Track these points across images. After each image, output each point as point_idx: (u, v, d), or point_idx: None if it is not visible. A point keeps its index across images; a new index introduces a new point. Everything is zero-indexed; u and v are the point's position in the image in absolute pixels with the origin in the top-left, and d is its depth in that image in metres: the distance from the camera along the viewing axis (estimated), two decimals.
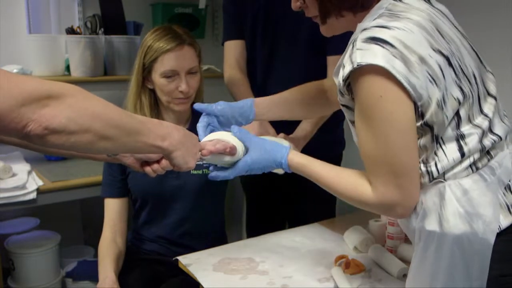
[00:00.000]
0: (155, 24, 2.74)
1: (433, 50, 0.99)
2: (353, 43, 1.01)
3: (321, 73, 1.79)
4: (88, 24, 2.34)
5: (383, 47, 0.95)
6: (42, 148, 1.25)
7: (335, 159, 1.99)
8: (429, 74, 0.97)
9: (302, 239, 1.61)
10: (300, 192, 1.87)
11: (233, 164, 1.20)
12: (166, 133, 1.04)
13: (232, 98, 1.83)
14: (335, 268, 1.37)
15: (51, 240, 2.32)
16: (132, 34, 2.39)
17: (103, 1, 2.34)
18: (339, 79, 1.03)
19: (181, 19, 2.76)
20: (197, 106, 1.31)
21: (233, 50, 1.84)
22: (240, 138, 1.20)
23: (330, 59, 1.78)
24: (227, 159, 1.19)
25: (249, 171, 1.20)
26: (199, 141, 1.22)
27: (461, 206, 0.98)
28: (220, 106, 1.31)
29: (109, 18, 2.33)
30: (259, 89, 1.83)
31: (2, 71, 0.78)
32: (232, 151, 1.17)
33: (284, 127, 1.68)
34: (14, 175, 2.03)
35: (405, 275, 1.34)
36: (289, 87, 1.83)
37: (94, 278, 1.64)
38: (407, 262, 1.41)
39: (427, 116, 0.98)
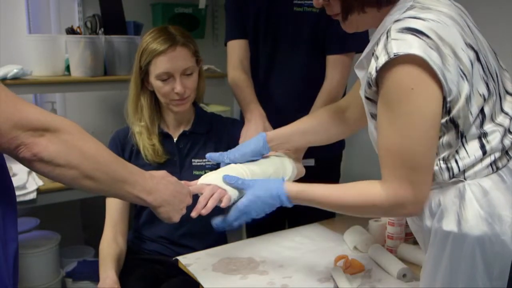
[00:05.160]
0: (155, 24, 2.74)
1: (465, 44, 0.98)
2: (386, 34, 0.99)
3: (323, 71, 1.79)
4: (88, 24, 2.34)
5: (419, 37, 0.94)
6: None
7: (335, 159, 1.99)
8: (461, 69, 0.96)
9: (302, 239, 1.61)
10: None
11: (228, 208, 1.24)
12: (153, 188, 1.08)
13: (235, 99, 1.83)
14: (335, 268, 1.37)
15: (51, 240, 2.32)
16: (132, 34, 2.39)
17: (103, 1, 2.34)
18: (370, 70, 1.01)
19: (181, 19, 2.76)
20: (209, 156, 1.39)
21: (237, 50, 1.84)
22: (233, 186, 1.24)
23: (330, 58, 1.78)
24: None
25: (246, 215, 1.20)
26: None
27: (481, 207, 0.97)
28: (232, 156, 1.36)
29: (109, 18, 2.33)
30: (261, 87, 1.83)
31: (11, 96, 0.83)
32: (226, 203, 1.23)
33: None
34: (14, 175, 2.03)
35: (405, 275, 1.34)
36: (290, 85, 1.84)
37: (94, 278, 1.65)
38: (407, 262, 1.41)
39: (454, 112, 0.97)
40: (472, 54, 0.98)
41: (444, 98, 0.96)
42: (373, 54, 1.02)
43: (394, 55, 0.94)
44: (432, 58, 0.93)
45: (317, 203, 1.16)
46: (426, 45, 0.93)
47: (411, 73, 0.94)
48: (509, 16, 1.82)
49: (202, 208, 1.22)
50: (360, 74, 1.08)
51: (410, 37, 0.94)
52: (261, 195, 1.19)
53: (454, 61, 0.95)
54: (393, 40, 0.96)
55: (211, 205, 1.22)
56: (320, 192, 1.16)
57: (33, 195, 1.97)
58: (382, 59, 0.96)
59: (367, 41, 1.10)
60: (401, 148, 0.99)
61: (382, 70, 0.97)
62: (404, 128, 0.98)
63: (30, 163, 0.86)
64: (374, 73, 0.99)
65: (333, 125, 1.37)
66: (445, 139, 1.00)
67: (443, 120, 0.98)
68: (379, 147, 1.05)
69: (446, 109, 0.97)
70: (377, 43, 1.02)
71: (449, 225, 1.00)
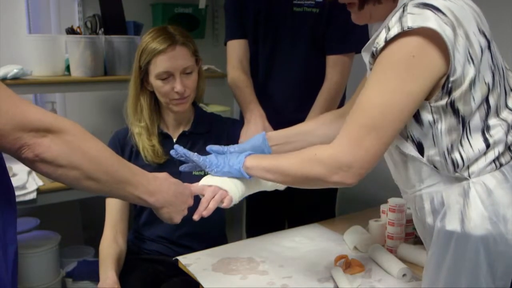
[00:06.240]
0: (155, 24, 2.74)
1: (479, 30, 0.98)
2: (403, 8, 0.98)
3: (322, 71, 1.79)
4: (88, 24, 2.34)
5: (435, 13, 0.94)
6: None
7: None
8: (469, 53, 0.96)
9: (302, 239, 1.61)
10: (300, 192, 1.87)
11: None
12: (156, 189, 1.09)
13: (235, 99, 1.83)
14: (335, 268, 1.37)
15: (51, 240, 2.32)
16: (132, 34, 2.39)
17: (103, 1, 2.34)
18: (378, 40, 1.00)
19: (181, 19, 2.76)
20: (209, 148, 1.37)
21: (236, 50, 1.84)
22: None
23: (330, 58, 1.78)
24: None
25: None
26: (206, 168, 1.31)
27: (485, 207, 0.97)
28: (231, 149, 1.36)
29: (109, 18, 2.33)
30: (261, 87, 1.83)
31: (13, 97, 0.83)
32: (228, 204, 1.25)
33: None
34: (14, 175, 2.03)
35: (405, 275, 1.34)
36: (290, 86, 1.85)
37: (94, 278, 1.65)
38: (407, 262, 1.41)
39: (455, 95, 0.96)
40: (484, 42, 0.99)
41: (448, 77, 0.96)
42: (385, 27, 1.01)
43: (408, 28, 0.94)
44: (446, 33, 0.93)
45: (273, 171, 1.18)
46: (441, 21, 0.94)
47: (418, 42, 0.94)
48: (509, 16, 1.81)
49: (203, 210, 1.23)
50: (366, 57, 1.07)
51: (427, 12, 0.94)
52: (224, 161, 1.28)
53: (464, 42, 0.95)
54: (409, 14, 0.95)
55: (212, 206, 1.23)
56: (274, 158, 1.20)
57: (33, 195, 1.97)
58: (395, 30, 0.96)
59: (367, 41, 1.10)
60: (374, 108, 0.98)
61: (391, 41, 0.97)
62: (390, 92, 0.97)
63: (32, 163, 0.86)
64: (382, 43, 0.98)
65: (335, 129, 1.36)
66: (444, 126, 0.99)
67: (443, 103, 0.98)
68: (355, 105, 1.03)
69: (447, 89, 0.96)
70: (392, 16, 1.01)
71: (452, 224, 1.00)
